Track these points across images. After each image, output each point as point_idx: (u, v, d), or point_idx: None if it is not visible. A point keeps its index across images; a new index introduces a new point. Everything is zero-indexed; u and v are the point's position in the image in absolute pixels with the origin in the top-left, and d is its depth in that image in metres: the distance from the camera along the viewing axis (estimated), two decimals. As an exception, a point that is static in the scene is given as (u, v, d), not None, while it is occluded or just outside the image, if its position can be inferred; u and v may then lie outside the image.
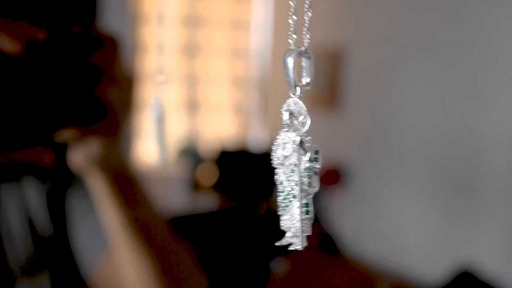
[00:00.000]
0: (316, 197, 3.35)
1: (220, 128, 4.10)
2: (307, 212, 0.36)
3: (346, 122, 3.42)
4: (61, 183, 0.77)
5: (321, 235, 3.32)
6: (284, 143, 0.36)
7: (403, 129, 2.94)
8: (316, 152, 0.35)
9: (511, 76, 2.33)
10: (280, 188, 0.37)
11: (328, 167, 3.38)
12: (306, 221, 0.36)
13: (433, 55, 2.75)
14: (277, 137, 0.37)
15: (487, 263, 2.37)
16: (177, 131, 3.89)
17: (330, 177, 3.39)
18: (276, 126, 4.26)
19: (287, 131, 0.35)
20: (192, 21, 3.85)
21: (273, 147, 0.37)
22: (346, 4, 3.46)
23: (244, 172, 3.54)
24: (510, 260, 2.36)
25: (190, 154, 3.80)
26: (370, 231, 3.19)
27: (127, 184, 0.63)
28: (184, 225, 3.11)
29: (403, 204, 2.93)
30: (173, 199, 3.42)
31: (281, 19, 3.97)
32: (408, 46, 2.92)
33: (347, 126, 3.42)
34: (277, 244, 0.37)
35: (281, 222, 0.37)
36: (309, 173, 0.35)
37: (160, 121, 0.68)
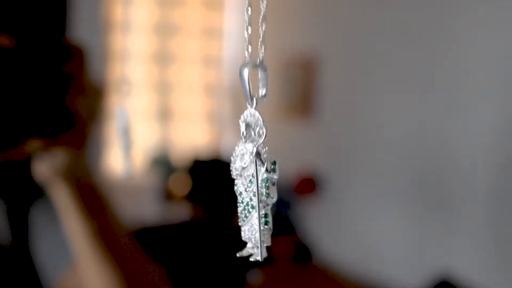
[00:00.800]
0: (292, 206, 3.35)
1: (193, 137, 4.09)
2: (266, 223, 0.37)
3: (320, 130, 3.44)
4: (24, 195, 0.76)
5: (296, 245, 3.33)
6: (242, 154, 0.37)
7: (377, 137, 2.97)
8: (273, 163, 0.36)
9: (489, 79, 2.36)
10: (239, 199, 0.38)
11: (303, 176, 3.40)
12: (265, 232, 0.37)
13: (409, 60, 2.78)
14: (235, 148, 0.38)
15: (466, 271, 2.39)
16: (148, 140, 3.88)
17: (305, 186, 3.40)
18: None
19: (244, 142, 0.36)
20: (163, 29, 3.85)
21: (232, 159, 0.38)
22: (319, 11, 3.49)
23: (217, 182, 3.54)
24: (490, 268, 2.39)
25: (162, 163, 3.78)
26: (347, 240, 3.21)
27: (92, 196, 0.63)
28: (156, 236, 3.10)
29: (380, 212, 2.95)
30: (144, 210, 3.40)
31: (254, 27, 3.98)
32: (383, 52, 2.95)
33: (321, 134, 3.44)
34: (238, 255, 0.38)
35: (242, 233, 0.38)
36: (267, 184, 0.36)
37: (126, 130, 0.68)
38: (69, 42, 0.58)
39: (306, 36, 3.60)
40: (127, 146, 0.70)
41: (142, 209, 3.36)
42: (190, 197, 3.64)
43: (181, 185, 3.69)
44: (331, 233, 3.34)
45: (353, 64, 3.18)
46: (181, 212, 3.54)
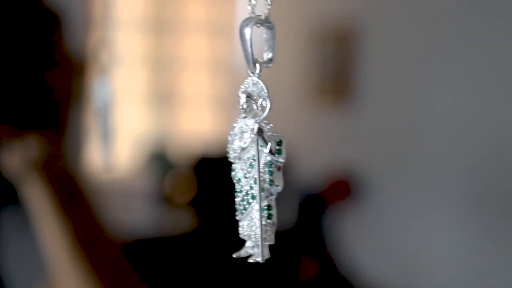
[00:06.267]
0: (322, 216, 3.36)
1: (198, 127, 4.10)
2: (269, 216, 0.37)
3: (359, 120, 3.44)
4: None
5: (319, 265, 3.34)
6: (242, 133, 0.38)
7: (430, 129, 2.96)
8: (279, 143, 0.37)
9: None
10: (237, 187, 0.39)
11: (336, 177, 3.40)
12: (268, 228, 0.38)
13: (471, 37, 2.77)
14: (234, 125, 0.39)
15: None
16: (140, 129, 3.88)
17: (339, 190, 3.40)
18: (273, 123, 4.26)
19: (245, 117, 0.37)
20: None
21: (229, 138, 0.39)
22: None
23: (229, 184, 3.54)
24: None
25: (159, 159, 3.80)
26: (391, 258, 3.21)
27: (72, 195, 0.64)
28: (152, 249, 3.12)
29: (434, 223, 2.95)
30: (136, 217, 3.41)
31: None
32: (440, 25, 2.94)
33: (360, 124, 3.44)
34: (234, 256, 0.39)
35: (239, 229, 0.39)
36: (271, 169, 0.37)
37: (106, 111, 0.68)
38: (47, 5, 0.59)
39: (342, 1, 3.60)
40: (107, 131, 0.70)
41: (133, 216, 3.38)
42: (194, 203, 3.64)
43: (183, 187, 3.70)
44: (370, 250, 3.34)
45: (402, 37, 3.17)
46: (182, 221, 3.56)
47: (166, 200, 3.68)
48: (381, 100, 3.32)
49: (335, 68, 3.55)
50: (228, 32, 4.14)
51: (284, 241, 3.51)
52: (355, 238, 3.43)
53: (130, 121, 3.76)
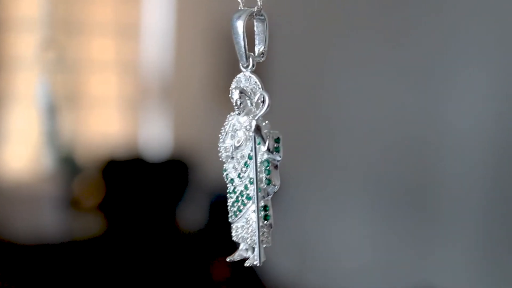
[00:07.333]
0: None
1: (107, 129, 4.03)
2: (266, 217, 0.36)
3: (267, 117, 3.44)
4: None
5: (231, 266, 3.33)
6: (235, 130, 0.37)
7: (340, 127, 2.99)
8: (277, 140, 0.35)
9: (479, 64, 2.41)
10: (229, 187, 0.37)
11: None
12: (264, 229, 0.36)
13: (380, 32, 2.81)
14: (225, 122, 0.37)
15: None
16: (47, 132, 3.78)
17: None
18: (183, 124, 4.22)
19: (238, 114, 0.35)
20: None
21: (220, 136, 0.37)
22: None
23: (138, 187, 3.50)
24: (475, 284, 2.44)
25: (67, 163, 3.71)
26: (304, 256, 3.23)
27: None
28: (59, 254, 3.04)
29: (344, 221, 2.98)
30: (44, 221, 3.33)
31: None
32: (347, 18, 2.97)
33: (268, 121, 3.44)
34: (228, 260, 0.38)
35: (232, 232, 0.37)
36: (268, 167, 0.35)
37: (51, 112, 0.66)
38: None
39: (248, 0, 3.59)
40: (53, 132, 0.68)
41: (40, 220, 3.30)
42: (102, 207, 3.58)
43: (92, 191, 3.63)
44: (281, 247, 3.35)
45: (308, 35, 3.19)
46: (91, 225, 3.49)
47: (73, 204, 3.60)
48: (288, 98, 3.33)
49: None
50: (135, 33, 4.10)
51: (195, 242, 3.50)
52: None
53: (36, 123, 3.66)
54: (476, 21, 2.43)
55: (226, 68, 3.64)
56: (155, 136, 4.11)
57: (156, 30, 4.10)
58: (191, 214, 3.72)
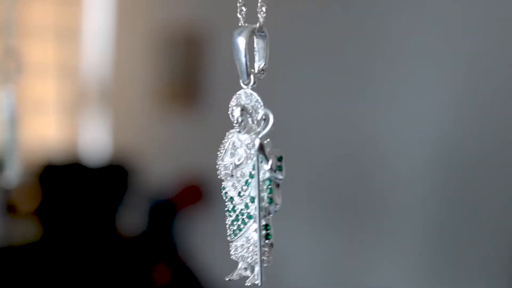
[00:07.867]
0: (173, 221, 3.32)
1: (44, 133, 3.97)
2: (267, 237, 0.35)
3: (208, 124, 3.43)
4: None
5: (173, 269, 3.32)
6: (235, 148, 0.36)
7: (282, 130, 3.00)
8: (279, 159, 0.35)
9: (423, 67, 2.44)
10: (229, 206, 0.37)
11: (186, 182, 3.38)
12: (265, 248, 0.36)
13: (318, 43, 2.83)
14: (224, 140, 0.36)
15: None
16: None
17: (189, 195, 3.39)
18: (123, 129, 4.17)
19: (238, 131, 0.35)
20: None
21: (220, 154, 0.36)
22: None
23: (76, 193, 3.46)
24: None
25: (2, 167, 3.63)
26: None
27: None
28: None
29: (287, 225, 2.98)
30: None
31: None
32: (291, 26, 2.99)
33: (209, 129, 3.42)
34: (227, 279, 0.37)
35: (231, 250, 0.36)
36: (270, 186, 0.35)
37: (13, 122, 0.64)
38: None
39: (191, 5, 3.58)
40: (13, 143, 0.66)
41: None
42: (38, 212, 3.53)
43: (28, 196, 3.57)
44: (222, 253, 3.34)
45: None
46: (27, 230, 3.44)
47: (9, 209, 3.54)
48: (229, 104, 3.33)
49: (184, 73, 3.53)
50: (75, 36, 4.05)
51: (135, 246, 3.47)
52: (207, 242, 3.43)
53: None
54: (420, 23, 2.47)
55: (167, 74, 3.62)
56: (94, 141, 4.05)
57: (96, 34, 4.06)
58: (131, 219, 3.69)
